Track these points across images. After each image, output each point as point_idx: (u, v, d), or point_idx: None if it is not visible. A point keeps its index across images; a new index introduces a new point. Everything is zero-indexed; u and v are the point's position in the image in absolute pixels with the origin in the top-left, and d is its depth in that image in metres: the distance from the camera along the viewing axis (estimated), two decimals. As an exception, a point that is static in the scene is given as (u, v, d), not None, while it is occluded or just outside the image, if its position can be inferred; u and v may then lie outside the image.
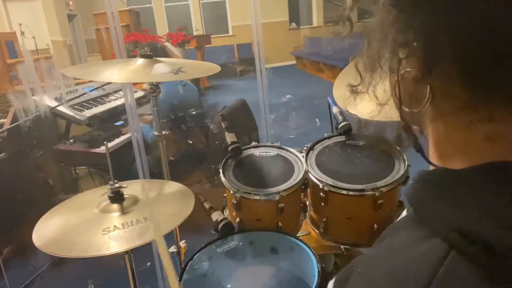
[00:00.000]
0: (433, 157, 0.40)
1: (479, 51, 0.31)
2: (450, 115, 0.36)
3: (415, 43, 0.34)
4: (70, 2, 9.50)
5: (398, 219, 0.47)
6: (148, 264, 2.00)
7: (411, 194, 0.39)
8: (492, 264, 0.30)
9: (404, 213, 0.48)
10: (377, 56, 0.39)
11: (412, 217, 0.38)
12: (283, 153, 1.39)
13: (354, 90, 0.45)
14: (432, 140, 0.40)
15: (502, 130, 0.33)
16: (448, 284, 0.31)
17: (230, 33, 11.27)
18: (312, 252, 1.09)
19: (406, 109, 0.39)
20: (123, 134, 2.68)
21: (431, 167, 0.41)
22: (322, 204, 1.23)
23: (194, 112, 2.67)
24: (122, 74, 1.28)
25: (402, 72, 0.37)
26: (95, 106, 2.77)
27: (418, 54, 0.34)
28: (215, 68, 1.40)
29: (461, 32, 0.31)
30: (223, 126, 1.44)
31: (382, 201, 1.16)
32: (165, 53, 2.60)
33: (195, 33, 8.82)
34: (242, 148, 1.39)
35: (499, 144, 0.34)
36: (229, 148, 1.35)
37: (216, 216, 1.21)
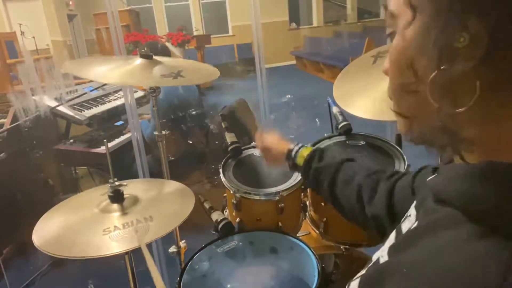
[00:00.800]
0: (472, 155, 0.37)
1: None
2: (498, 107, 0.33)
3: (478, 30, 0.31)
4: (70, 2, 9.50)
5: (411, 221, 0.44)
6: (148, 264, 1.99)
7: (454, 192, 0.37)
8: None
9: (412, 212, 0.46)
10: (435, 45, 0.34)
11: (454, 215, 0.36)
12: (283, 153, 1.39)
13: (406, 89, 0.39)
14: (473, 138, 0.36)
15: None
16: None
17: (230, 33, 11.26)
18: (312, 252, 1.09)
19: (449, 110, 0.34)
20: (123, 134, 2.67)
21: (457, 161, 0.38)
22: (322, 204, 1.23)
23: (194, 112, 2.67)
24: (122, 76, 1.28)
25: (442, 67, 0.33)
26: (95, 106, 2.77)
27: (479, 42, 0.31)
28: (215, 73, 1.40)
29: None
30: (223, 126, 1.44)
31: (382, 201, 1.16)
32: (167, 53, 2.60)
33: (195, 33, 8.82)
34: (242, 148, 1.39)
35: None
36: (229, 148, 1.35)
37: (216, 216, 1.21)
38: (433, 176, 0.43)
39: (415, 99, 0.38)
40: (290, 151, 0.98)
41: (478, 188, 0.35)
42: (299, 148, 0.98)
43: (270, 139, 1.04)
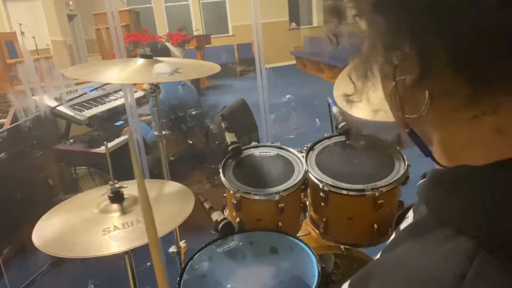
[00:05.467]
0: (441, 159, 0.39)
1: (472, 43, 0.31)
2: (453, 113, 0.35)
3: (407, 48, 0.33)
4: (70, 2, 9.50)
5: (409, 222, 0.46)
6: (148, 264, 1.99)
7: (429, 196, 0.39)
8: None
9: (410, 214, 0.47)
10: (369, 64, 0.38)
11: (430, 218, 0.38)
12: (283, 153, 1.39)
13: (349, 100, 0.45)
14: (438, 142, 0.39)
15: (508, 121, 0.33)
16: (479, 283, 0.31)
17: (230, 33, 11.26)
18: (312, 252, 1.09)
19: (407, 116, 0.38)
20: (119, 137, 2.65)
21: (437, 166, 0.41)
22: (322, 204, 1.23)
23: (194, 112, 2.67)
24: (120, 74, 1.28)
25: (397, 79, 0.36)
26: (95, 106, 2.76)
27: (412, 58, 0.34)
28: (214, 68, 1.40)
29: (449, 26, 0.31)
30: (223, 126, 1.44)
31: (382, 201, 1.16)
32: (167, 53, 2.61)
33: (195, 33, 8.81)
34: (242, 148, 1.39)
35: (510, 137, 0.33)
36: (229, 148, 1.35)
37: (216, 216, 1.21)
38: (422, 180, 0.44)
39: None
40: None
41: (446, 192, 0.37)
42: None
43: None
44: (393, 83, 0.37)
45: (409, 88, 0.36)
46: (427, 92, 0.35)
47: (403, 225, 0.49)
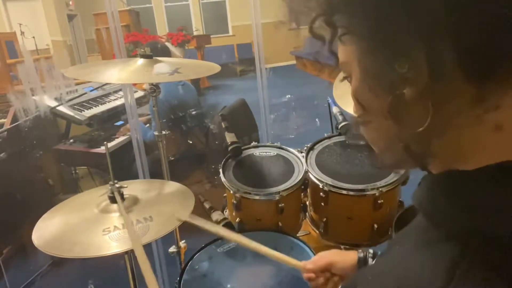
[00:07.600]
0: (439, 166, 0.38)
1: (486, 39, 0.29)
2: (456, 116, 0.33)
3: (417, 52, 0.31)
4: (70, 2, 9.50)
5: (408, 227, 0.46)
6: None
7: (421, 198, 0.38)
8: (509, 263, 0.30)
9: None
10: (379, 78, 0.35)
11: (422, 222, 0.38)
12: (283, 153, 1.39)
13: (360, 122, 0.40)
14: (437, 151, 0.36)
15: (509, 116, 0.32)
16: (465, 286, 0.30)
17: (230, 33, 11.26)
18: (312, 252, 1.09)
19: (408, 131, 0.34)
20: (117, 138, 2.65)
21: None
22: (322, 204, 1.23)
23: (194, 112, 2.67)
24: (120, 74, 1.28)
25: (402, 91, 0.33)
26: (95, 106, 2.76)
27: (420, 64, 0.31)
28: (215, 68, 1.39)
29: (462, 25, 0.29)
30: (223, 126, 1.44)
31: (382, 201, 1.16)
32: (167, 53, 2.60)
33: (195, 33, 8.82)
34: (242, 148, 1.39)
35: (508, 134, 0.32)
36: (229, 148, 1.35)
37: (216, 216, 1.21)
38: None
39: (368, 129, 0.40)
40: (363, 258, 0.78)
41: (437, 196, 0.37)
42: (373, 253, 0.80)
43: (325, 258, 0.86)
44: (390, 98, 0.34)
45: (411, 101, 0.33)
46: (430, 103, 0.32)
47: None
